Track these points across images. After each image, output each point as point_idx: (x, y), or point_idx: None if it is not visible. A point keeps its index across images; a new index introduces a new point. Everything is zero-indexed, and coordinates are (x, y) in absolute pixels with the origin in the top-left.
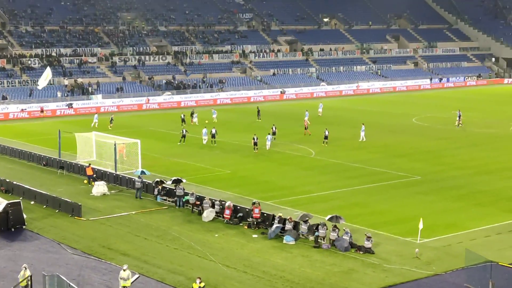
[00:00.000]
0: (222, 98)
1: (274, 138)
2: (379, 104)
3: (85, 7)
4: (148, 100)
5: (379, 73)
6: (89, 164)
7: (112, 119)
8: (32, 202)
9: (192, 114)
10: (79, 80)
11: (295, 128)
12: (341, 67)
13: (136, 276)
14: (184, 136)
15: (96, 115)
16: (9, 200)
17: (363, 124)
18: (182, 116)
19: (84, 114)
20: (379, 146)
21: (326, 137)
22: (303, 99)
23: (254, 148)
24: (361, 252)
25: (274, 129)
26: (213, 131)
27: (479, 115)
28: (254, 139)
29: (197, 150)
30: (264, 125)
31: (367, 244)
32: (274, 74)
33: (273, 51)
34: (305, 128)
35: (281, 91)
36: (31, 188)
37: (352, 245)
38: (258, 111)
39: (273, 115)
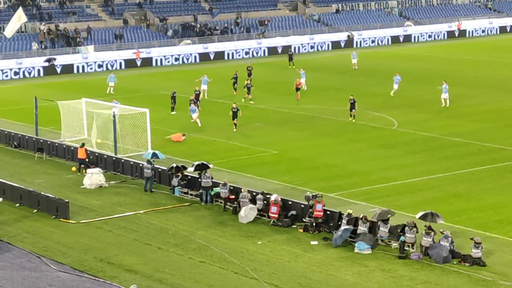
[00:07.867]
0: (263, 46)
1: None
2: (490, 52)
3: None
4: (139, 53)
5: (490, 6)
6: (83, 144)
7: None
8: (0, 200)
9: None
10: (62, 25)
11: (368, 87)
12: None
13: None
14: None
15: (112, 76)
16: None
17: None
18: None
19: (69, 74)
20: (490, 111)
21: (352, 107)
22: (379, 46)
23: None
24: (466, 264)
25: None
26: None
27: None
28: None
29: (229, 122)
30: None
31: (476, 253)
32: (337, 11)
33: None
34: (297, 90)
35: (348, 36)
36: None
37: (453, 254)
38: (291, 55)
39: (332, 68)
